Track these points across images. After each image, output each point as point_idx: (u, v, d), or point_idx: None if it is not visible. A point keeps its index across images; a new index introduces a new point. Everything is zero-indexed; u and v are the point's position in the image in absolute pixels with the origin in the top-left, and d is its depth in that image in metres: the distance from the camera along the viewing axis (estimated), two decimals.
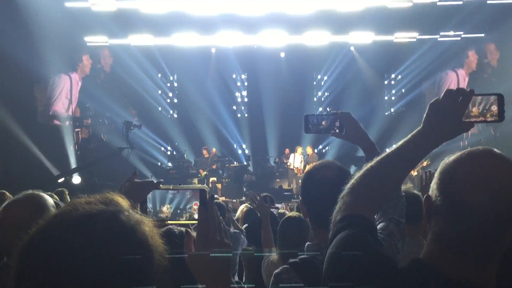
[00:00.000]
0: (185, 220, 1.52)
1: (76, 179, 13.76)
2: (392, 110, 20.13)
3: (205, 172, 16.30)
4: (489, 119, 1.53)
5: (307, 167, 13.99)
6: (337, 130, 2.18)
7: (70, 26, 15.79)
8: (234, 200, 13.09)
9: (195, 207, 1.48)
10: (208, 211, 1.37)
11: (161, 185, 1.60)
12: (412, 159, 1.51)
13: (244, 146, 20.76)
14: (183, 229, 2.08)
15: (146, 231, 1.08)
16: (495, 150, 1.26)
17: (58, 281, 0.95)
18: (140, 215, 1.13)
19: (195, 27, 17.17)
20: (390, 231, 2.05)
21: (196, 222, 1.40)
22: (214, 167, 16.38)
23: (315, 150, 17.62)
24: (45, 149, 14.44)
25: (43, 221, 1.03)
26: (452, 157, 1.29)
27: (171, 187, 1.58)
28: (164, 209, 1.55)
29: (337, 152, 17.56)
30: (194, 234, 1.39)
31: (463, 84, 17.45)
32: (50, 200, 2.44)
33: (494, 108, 1.51)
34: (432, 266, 1.23)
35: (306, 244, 2.13)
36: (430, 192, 1.30)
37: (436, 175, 1.30)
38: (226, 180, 16.56)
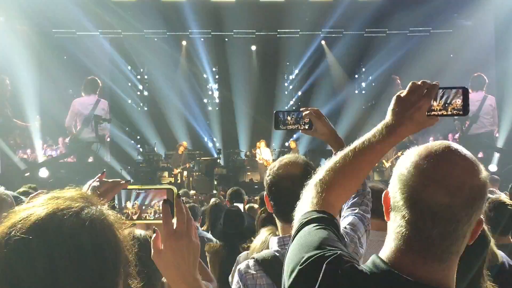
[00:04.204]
0: (151, 219, 1.52)
1: (43, 173, 13.49)
2: (363, 104, 20.30)
3: (178, 170, 15.65)
4: (453, 113, 1.49)
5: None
6: (306, 127, 2.20)
7: (38, 17, 15.43)
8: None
9: (160, 204, 1.48)
10: (176, 208, 1.35)
11: (129, 185, 1.60)
12: (376, 153, 1.47)
13: (215, 139, 20.69)
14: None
15: (114, 225, 1.09)
16: (454, 144, 1.22)
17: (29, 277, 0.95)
18: (108, 209, 1.14)
19: (165, 18, 16.98)
20: (355, 225, 2.09)
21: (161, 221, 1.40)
22: (188, 165, 15.92)
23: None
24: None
25: (8, 219, 1.03)
26: (409, 153, 1.25)
27: (138, 187, 1.57)
28: (129, 205, 1.55)
29: (308, 146, 17.61)
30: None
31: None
32: (8, 196, 2.40)
33: (459, 101, 1.48)
34: (393, 267, 1.18)
35: (271, 238, 2.14)
36: (389, 188, 1.27)
37: (394, 171, 1.26)
38: (197, 173, 16.46)
